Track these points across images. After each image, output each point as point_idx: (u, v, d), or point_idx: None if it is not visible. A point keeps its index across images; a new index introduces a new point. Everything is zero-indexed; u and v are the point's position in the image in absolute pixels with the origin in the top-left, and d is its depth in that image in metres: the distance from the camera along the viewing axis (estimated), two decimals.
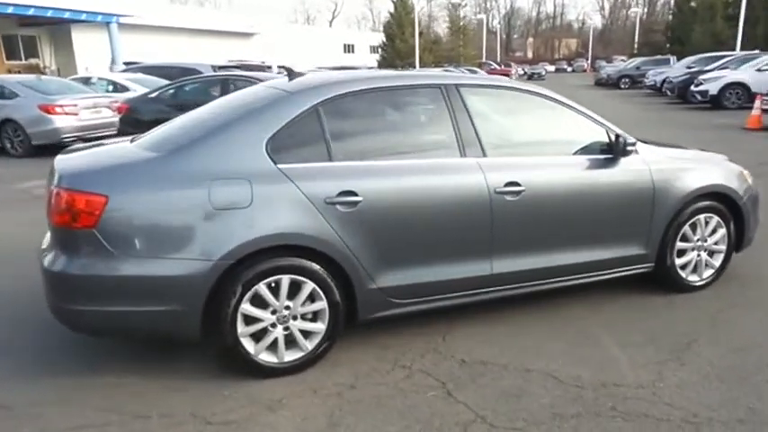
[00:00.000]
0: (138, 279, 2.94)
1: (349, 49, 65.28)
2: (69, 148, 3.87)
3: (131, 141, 3.67)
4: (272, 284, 3.12)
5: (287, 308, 3.18)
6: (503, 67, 51.18)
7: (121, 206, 2.92)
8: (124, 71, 18.18)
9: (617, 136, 3.89)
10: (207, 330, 3.09)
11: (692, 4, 44.87)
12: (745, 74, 18.09)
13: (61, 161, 3.34)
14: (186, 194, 2.99)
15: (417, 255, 3.44)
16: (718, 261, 4.35)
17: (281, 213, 3.10)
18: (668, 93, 22.93)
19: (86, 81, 15.29)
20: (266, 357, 3.21)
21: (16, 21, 28.56)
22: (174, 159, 3.10)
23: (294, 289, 3.17)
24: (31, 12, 26.29)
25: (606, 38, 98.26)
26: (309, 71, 4.51)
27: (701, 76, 19.32)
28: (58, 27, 30.89)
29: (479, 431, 2.76)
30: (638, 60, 37.62)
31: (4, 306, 4.30)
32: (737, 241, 4.41)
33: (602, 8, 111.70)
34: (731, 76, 18.38)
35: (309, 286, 3.18)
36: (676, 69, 25.61)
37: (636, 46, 62.79)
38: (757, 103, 13.90)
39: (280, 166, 3.15)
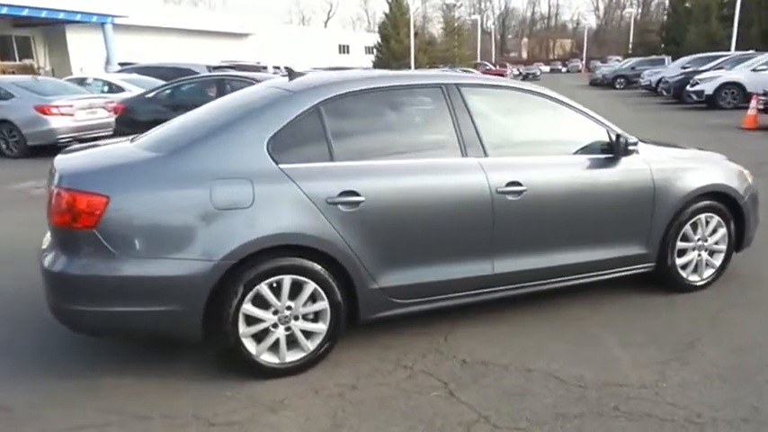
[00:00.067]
0: (139, 279, 2.93)
1: (344, 49, 65.25)
2: (69, 148, 3.85)
3: (131, 141, 3.65)
4: (274, 285, 3.11)
5: (288, 308, 3.17)
6: (498, 67, 51.28)
7: (122, 206, 2.90)
8: (119, 72, 18.12)
9: (618, 136, 3.89)
10: (208, 331, 3.07)
11: (687, 4, 45.04)
12: (740, 74, 18.16)
13: (61, 161, 3.32)
14: (187, 194, 2.97)
15: (419, 255, 3.44)
16: (718, 261, 4.36)
17: (282, 213, 3.09)
18: (664, 93, 22.99)
19: (82, 82, 15.23)
20: (268, 358, 3.19)
21: (10, 21, 28.47)
22: (175, 159, 3.09)
23: (296, 289, 3.16)
24: (25, 12, 26.23)
25: (601, 38, 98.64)
26: (308, 71, 4.49)
27: (697, 76, 19.39)
28: (53, 28, 30.80)
29: (483, 431, 2.75)
30: (633, 61, 37.74)
31: (4, 306, 4.27)
32: (738, 241, 4.41)
33: (597, 8, 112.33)
34: (727, 76, 18.44)
35: (311, 286, 3.17)
36: (671, 69, 25.68)
37: (630, 46, 62.96)
38: (753, 103, 13.96)
39: (281, 165, 3.14)
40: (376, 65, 50.49)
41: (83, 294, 2.95)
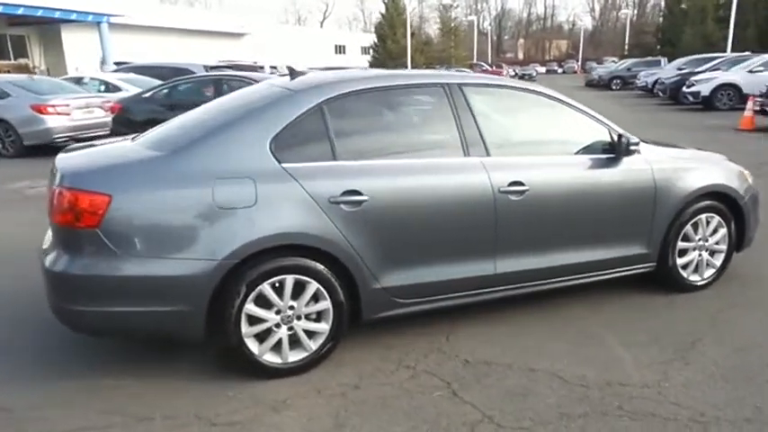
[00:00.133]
0: (141, 279, 2.91)
1: (340, 49, 65.24)
2: (69, 147, 3.83)
3: (132, 140, 3.63)
4: (277, 284, 3.10)
5: (291, 308, 3.16)
6: (494, 68, 51.33)
7: (125, 205, 2.89)
8: (116, 71, 18.07)
9: (620, 136, 3.89)
10: (210, 331, 3.06)
11: (683, 6, 45.15)
12: (736, 75, 18.19)
13: (63, 160, 3.30)
14: (190, 194, 2.96)
15: (421, 254, 3.43)
16: (719, 261, 4.36)
17: (285, 213, 3.08)
18: (660, 94, 23.05)
19: (79, 81, 15.19)
20: (270, 358, 3.18)
21: (5, 20, 28.37)
22: (178, 158, 3.07)
23: (298, 289, 3.14)
24: (20, 11, 26.15)
25: (597, 39, 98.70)
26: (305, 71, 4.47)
27: (693, 78, 19.42)
28: (48, 27, 30.72)
29: (487, 431, 2.75)
30: (629, 62, 37.80)
31: (4, 306, 4.25)
32: (738, 241, 4.42)
33: (593, 10, 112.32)
34: (723, 77, 18.48)
35: (314, 286, 3.16)
36: (668, 71, 25.74)
37: (626, 47, 63.13)
38: (750, 105, 14.00)
39: (284, 165, 3.13)
40: (372, 65, 50.57)
41: (84, 294, 2.93)
